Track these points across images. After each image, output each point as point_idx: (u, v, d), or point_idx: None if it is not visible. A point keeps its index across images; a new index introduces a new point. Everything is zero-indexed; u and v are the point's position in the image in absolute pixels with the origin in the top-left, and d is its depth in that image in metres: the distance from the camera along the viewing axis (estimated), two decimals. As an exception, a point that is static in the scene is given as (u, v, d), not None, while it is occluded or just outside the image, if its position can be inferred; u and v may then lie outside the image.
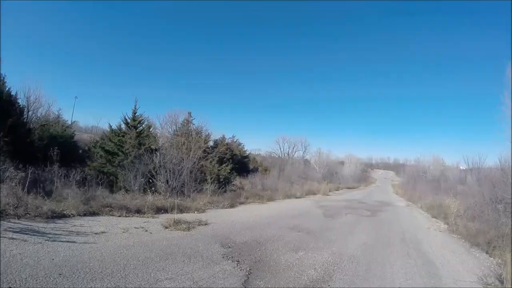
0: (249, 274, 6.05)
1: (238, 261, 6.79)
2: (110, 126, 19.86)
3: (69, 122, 29.46)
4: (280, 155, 60.19)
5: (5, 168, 9.03)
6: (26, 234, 6.32)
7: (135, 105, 18.98)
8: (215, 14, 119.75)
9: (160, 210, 11.36)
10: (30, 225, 6.94)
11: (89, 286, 4.58)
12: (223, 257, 6.93)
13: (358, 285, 6.08)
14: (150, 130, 20.94)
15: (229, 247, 7.79)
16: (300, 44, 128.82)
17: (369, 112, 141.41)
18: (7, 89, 15.80)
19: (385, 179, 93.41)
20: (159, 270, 5.67)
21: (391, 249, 9.48)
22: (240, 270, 6.23)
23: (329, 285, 5.89)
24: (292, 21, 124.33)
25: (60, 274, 4.78)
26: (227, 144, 31.94)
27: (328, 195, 30.38)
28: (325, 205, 20.57)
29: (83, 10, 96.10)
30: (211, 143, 26.60)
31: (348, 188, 46.39)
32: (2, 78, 15.40)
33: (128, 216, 9.87)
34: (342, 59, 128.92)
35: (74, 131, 25.34)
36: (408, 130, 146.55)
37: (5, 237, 5.87)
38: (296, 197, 24.14)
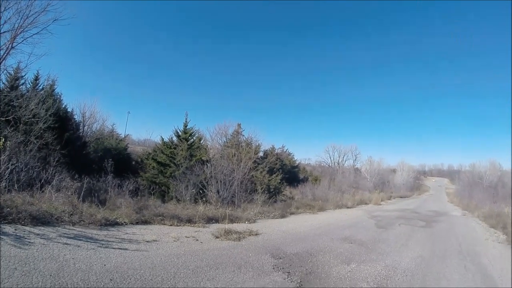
0: (299, 286, 5.84)
1: (288, 272, 6.60)
2: (162, 139, 20.86)
3: (123, 136, 31.41)
4: (330, 164, 60.50)
5: (62, 178, 9.65)
6: (80, 240, 6.59)
7: (186, 119, 19.93)
8: (262, 20, 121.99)
9: (210, 220, 11.41)
10: (84, 232, 7.25)
11: (139, 293, 4.58)
12: (273, 268, 6.77)
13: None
14: (201, 142, 21.66)
15: (280, 258, 7.60)
16: (342, 41, 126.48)
17: (420, 115, 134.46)
18: (63, 106, 17.30)
19: (439, 187, 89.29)
20: (209, 279, 5.59)
21: (447, 262, 8.96)
22: (291, 282, 6.04)
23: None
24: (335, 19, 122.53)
25: (111, 280, 4.86)
26: (276, 154, 32.13)
27: (380, 204, 29.55)
28: (377, 215, 19.98)
29: (132, 27, 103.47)
30: (261, 154, 26.94)
31: (401, 197, 45.11)
32: (59, 96, 16.87)
33: (179, 226, 9.98)
34: (385, 54, 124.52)
35: (128, 143, 26.97)
36: (462, 134, 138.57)
37: (59, 242, 6.17)
38: (347, 207, 23.68)
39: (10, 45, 10.55)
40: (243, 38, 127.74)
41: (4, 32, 10.50)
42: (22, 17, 10.64)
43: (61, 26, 11.97)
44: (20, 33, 10.70)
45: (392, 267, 7.79)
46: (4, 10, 10.30)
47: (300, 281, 6.07)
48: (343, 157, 61.06)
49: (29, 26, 10.86)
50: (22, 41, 10.90)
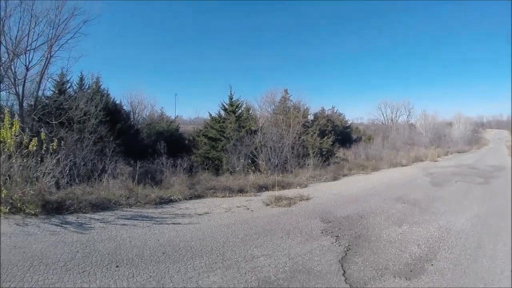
0: (347, 250, 5.85)
1: (337, 236, 6.62)
2: (210, 115, 21.54)
3: (173, 117, 32.83)
4: (384, 122, 58.98)
5: (117, 165, 10.49)
6: (136, 220, 7.21)
7: (230, 91, 20.33)
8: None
9: (262, 188, 11.64)
10: (140, 212, 7.90)
11: (189, 263, 4.97)
12: (322, 233, 6.83)
13: (465, 265, 5.39)
14: (250, 112, 21.95)
15: (329, 222, 7.63)
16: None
17: (475, 60, 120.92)
18: (111, 99, 18.54)
19: (498, 140, 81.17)
20: (257, 246, 5.84)
21: (506, 223, 8.22)
22: (339, 246, 6.07)
23: (432, 264, 5.37)
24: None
25: (163, 253, 5.31)
26: (327, 116, 31.80)
27: (436, 161, 28.17)
28: (433, 172, 19.08)
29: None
30: (310, 117, 26.66)
31: (458, 152, 42.42)
32: (105, 91, 18.05)
33: (231, 196, 10.36)
34: None
35: (178, 124, 28.19)
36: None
37: (117, 224, 6.81)
38: (402, 165, 22.85)
39: (49, 54, 11.50)
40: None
41: (41, 44, 11.42)
42: (53, 27, 11.51)
43: (92, 25, 12.67)
44: (55, 42, 11.58)
45: (446, 228, 7.52)
46: (35, 26, 11.13)
47: (348, 245, 6.10)
48: (396, 113, 59.18)
49: (62, 33, 11.71)
50: (59, 48, 11.84)
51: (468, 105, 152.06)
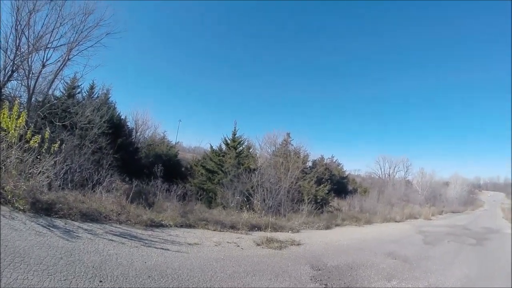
0: None
1: (326, 285, 6.54)
2: (211, 147, 21.63)
3: (173, 143, 32.94)
4: (381, 176, 60.43)
5: (113, 180, 10.36)
6: (125, 238, 7.00)
7: (235, 127, 20.59)
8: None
9: (254, 227, 11.50)
10: (130, 231, 7.69)
11: (174, 291, 4.78)
12: (311, 279, 6.74)
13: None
14: (250, 150, 22.09)
15: (319, 270, 7.52)
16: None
17: (476, 124, 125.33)
18: (117, 113, 18.70)
19: (494, 202, 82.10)
20: (244, 285, 5.71)
21: (495, 285, 8.49)
22: None
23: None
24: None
25: (149, 277, 5.12)
26: (325, 164, 32.02)
27: (430, 219, 28.49)
28: (426, 230, 19.24)
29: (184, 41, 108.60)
30: (309, 164, 26.86)
31: (453, 212, 42.86)
32: (113, 104, 18.26)
33: (223, 231, 10.19)
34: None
35: (178, 150, 28.21)
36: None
37: (105, 238, 6.61)
38: (396, 221, 22.99)
39: (67, 57, 11.79)
40: (297, 44, 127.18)
41: (61, 45, 11.74)
42: (76, 32, 11.92)
43: (114, 39, 13.06)
44: (75, 46, 11.91)
45: (435, 286, 7.53)
46: (60, 26, 11.50)
47: (336, 295, 6.01)
48: (394, 169, 61.04)
49: (84, 40, 12.06)
50: (78, 53, 12.14)
51: (466, 166, 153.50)
